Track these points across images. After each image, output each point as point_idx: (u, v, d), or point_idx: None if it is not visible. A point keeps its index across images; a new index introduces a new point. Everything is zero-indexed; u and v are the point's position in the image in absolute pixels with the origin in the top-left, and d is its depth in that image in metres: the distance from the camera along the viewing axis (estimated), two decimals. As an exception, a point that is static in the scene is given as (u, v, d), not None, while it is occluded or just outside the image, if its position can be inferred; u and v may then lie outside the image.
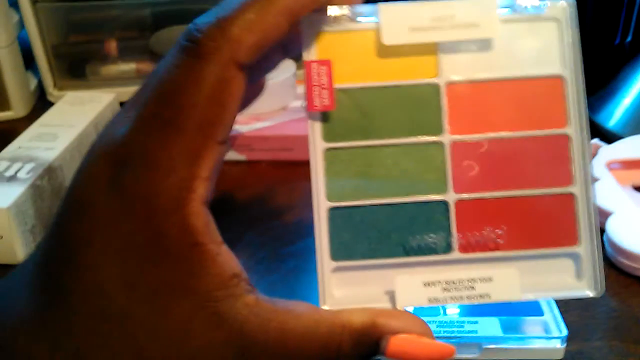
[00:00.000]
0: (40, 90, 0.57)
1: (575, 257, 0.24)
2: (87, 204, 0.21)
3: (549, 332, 0.28)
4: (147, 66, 0.57)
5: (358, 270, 0.24)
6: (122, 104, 0.51)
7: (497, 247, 0.24)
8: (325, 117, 0.24)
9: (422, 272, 0.23)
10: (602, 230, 0.37)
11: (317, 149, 0.24)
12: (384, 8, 0.24)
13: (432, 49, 0.24)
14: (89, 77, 0.57)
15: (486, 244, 0.24)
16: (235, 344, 0.21)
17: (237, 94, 0.21)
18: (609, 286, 0.34)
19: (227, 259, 0.21)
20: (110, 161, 0.21)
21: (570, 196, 0.24)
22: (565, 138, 0.24)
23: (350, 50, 0.24)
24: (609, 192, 0.39)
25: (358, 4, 0.24)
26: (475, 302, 0.23)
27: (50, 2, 0.53)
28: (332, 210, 0.24)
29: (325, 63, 0.24)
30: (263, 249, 0.37)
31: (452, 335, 0.27)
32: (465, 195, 0.24)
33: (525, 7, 0.24)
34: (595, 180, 0.41)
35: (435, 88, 0.24)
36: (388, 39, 0.24)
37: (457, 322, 0.28)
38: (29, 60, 0.56)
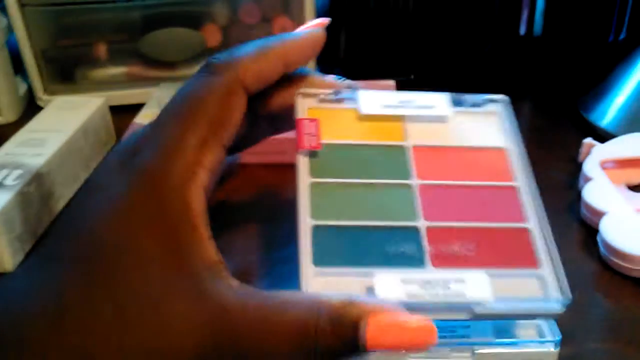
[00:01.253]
0: (30, 95, 0.57)
1: (539, 277, 0.26)
2: (97, 183, 0.24)
3: (542, 335, 0.28)
4: (137, 70, 0.57)
5: (339, 275, 0.25)
6: (112, 108, 0.51)
7: (466, 261, 0.26)
8: (312, 157, 0.28)
9: (399, 273, 0.25)
10: (596, 231, 0.36)
11: (304, 182, 0.27)
12: (362, 92, 0.31)
13: (399, 121, 0.30)
14: (78, 82, 0.56)
15: (456, 257, 0.26)
16: (215, 321, 0.21)
17: (240, 109, 0.26)
18: (602, 287, 0.34)
19: (214, 247, 0.23)
20: (125, 151, 0.24)
21: (526, 230, 0.27)
22: (514, 189, 0.29)
23: (334, 120, 0.30)
24: (602, 191, 0.39)
25: (343, 89, 0.30)
26: (451, 299, 0.24)
27: (38, 5, 0.52)
28: (316, 228, 0.26)
29: (314, 120, 0.29)
30: (254, 253, 0.36)
31: (445, 339, 0.27)
32: (434, 223, 0.27)
33: (471, 104, 0.32)
34: (588, 179, 0.41)
35: (403, 149, 0.30)
36: (365, 110, 0.30)
37: (450, 326, 0.28)
38: (18, 65, 0.55)
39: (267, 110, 0.29)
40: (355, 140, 0.29)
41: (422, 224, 0.27)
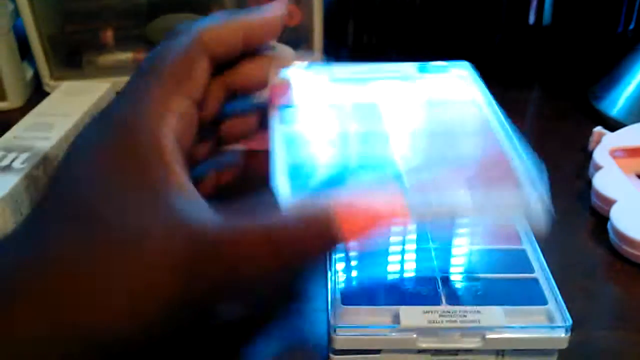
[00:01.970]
0: (37, 81, 0.56)
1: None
2: (78, 142, 0.26)
3: (553, 321, 0.27)
4: (143, 55, 0.57)
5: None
6: (118, 93, 0.51)
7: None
8: (284, 111, 0.30)
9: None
10: (606, 219, 0.36)
11: (279, 130, 0.28)
12: (333, 63, 0.33)
13: (369, 83, 0.32)
14: (85, 67, 0.56)
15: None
16: (192, 248, 0.22)
17: (202, 65, 0.27)
18: (613, 275, 0.34)
19: (189, 181, 0.24)
20: (102, 110, 0.27)
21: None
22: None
23: (306, 85, 0.31)
24: (612, 180, 0.38)
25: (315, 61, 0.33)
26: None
27: (45, -10, 0.52)
28: (292, 165, 0.26)
29: (286, 83, 0.31)
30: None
31: (455, 325, 0.27)
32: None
33: (436, 69, 0.33)
34: (599, 168, 0.40)
35: (374, 106, 0.31)
36: (336, 74, 0.32)
37: (460, 311, 0.27)
38: (24, 51, 0.55)
39: (241, 86, 0.30)
40: (327, 102, 0.31)
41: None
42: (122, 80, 0.54)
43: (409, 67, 0.33)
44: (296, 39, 0.58)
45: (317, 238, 0.22)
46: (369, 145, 0.28)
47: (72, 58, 0.56)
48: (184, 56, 0.27)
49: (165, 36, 0.28)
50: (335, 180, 0.25)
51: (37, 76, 0.56)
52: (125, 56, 0.56)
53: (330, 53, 0.63)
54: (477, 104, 0.31)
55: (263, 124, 0.31)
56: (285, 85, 0.30)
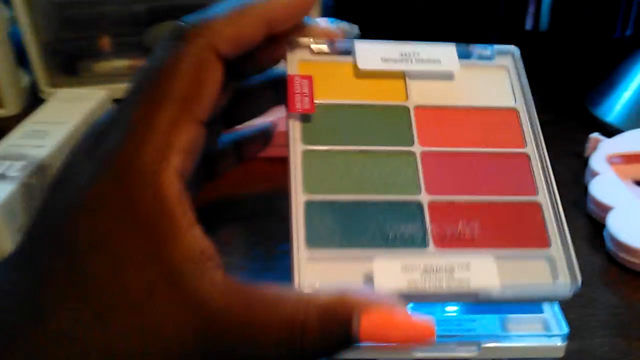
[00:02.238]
0: (33, 88, 0.56)
1: (548, 259, 0.24)
2: (65, 175, 0.22)
3: (549, 329, 0.27)
4: (140, 62, 0.57)
5: (334, 261, 0.23)
6: (115, 100, 0.51)
7: (472, 242, 0.24)
8: (305, 121, 0.26)
9: (400, 258, 0.23)
10: (603, 226, 0.36)
11: (297, 150, 0.25)
12: (358, 43, 0.28)
13: (401, 77, 0.28)
14: (82, 74, 0.56)
15: (461, 238, 0.24)
16: (199, 323, 0.20)
17: (214, 78, 0.23)
18: (610, 283, 0.33)
19: (197, 236, 0.21)
20: (92, 136, 0.22)
21: (537, 204, 0.25)
22: (525, 156, 0.27)
23: (329, 76, 0.27)
24: (609, 186, 0.38)
25: (338, 40, 0.27)
26: (454, 288, 0.23)
27: (42, -2, 0.52)
28: (309, 204, 0.24)
29: (307, 77, 0.26)
30: (258, 246, 0.36)
31: (450, 333, 0.27)
32: (437, 197, 0.25)
33: (479, 55, 0.29)
34: (595, 174, 0.40)
35: (405, 109, 0.27)
36: (363, 65, 0.27)
37: (456, 320, 0.27)
38: (21, 58, 0.55)
39: (257, 70, 0.27)
40: (352, 100, 0.27)
41: (424, 198, 0.25)
42: (120, 87, 0.55)
43: (448, 51, 0.28)
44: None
45: (329, 340, 0.21)
46: (396, 169, 0.26)
47: (68, 65, 0.56)
48: (194, 71, 0.22)
49: (163, 40, 0.23)
50: (359, 235, 0.24)
51: (33, 83, 0.56)
52: (123, 63, 0.56)
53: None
54: (516, 112, 0.28)
55: (277, 100, 0.28)
56: (306, 82, 0.26)
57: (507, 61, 0.29)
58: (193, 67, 0.22)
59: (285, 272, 0.33)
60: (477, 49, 0.29)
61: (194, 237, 0.21)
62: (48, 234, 0.21)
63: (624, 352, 0.29)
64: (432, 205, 0.25)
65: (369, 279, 0.23)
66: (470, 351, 0.27)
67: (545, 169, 0.26)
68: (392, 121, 0.27)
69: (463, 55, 0.28)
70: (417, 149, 0.26)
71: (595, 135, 0.44)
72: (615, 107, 0.49)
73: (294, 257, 0.23)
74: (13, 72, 0.54)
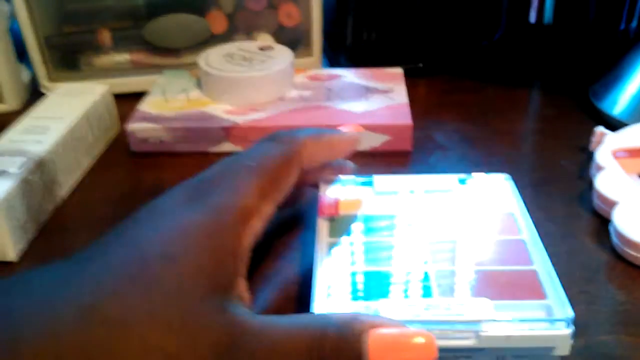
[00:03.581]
0: (34, 83, 0.56)
1: (545, 307, 0.27)
2: (162, 208, 0.26)
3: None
4: (141, 56, 0.56)
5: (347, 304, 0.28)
6: (116, 95, 0.51)
7: (472, 292, 0.28)
8: (330, 222, 0.33)
9: (404, 300, 0.27)
10: (608, 221, 0.36)
11: (323, 241, 0.31)
12: (376, 177, 0.36)
13: (410, 195, 0.35)
14: (82, 69, 0.56)
15: (463, 289, 0.28)
16: (231, 336, 0.22)
17: (295, 176, 0.30)
18: (615, 279, 0.33)
19: (245, 285, 0.26)
20: (193, 188, 0.27)
21: (532, 271, 0.29)
22: (521, 242, 0.31)
23: (352, 203, 0.34)
24: (614, 181, 0.38)
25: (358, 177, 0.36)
26: (451, 318, 0.26)
27: (42, -8, 0.52)
28: (329, 272, 0.29)
29: (335, 200, 0.34)
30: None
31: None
32: (442, 268, 0.29)
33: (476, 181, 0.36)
34: (600, 168, 0.40)
35: (414, 217, 0.33)
36: (378, 188, 0.35)
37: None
38: (21, 52, 0.55)
39: (302, 184, 0.33)
40: (368, 213, 0.33)
41: (431, 268, 0.29)
42: (120, 81, 0.55)
43: (449, 180, 0.35)
44: (295, 38, 0.58)
45: (345, 357, 0.23)
46: (404, 253, 0.30)
47: (69, 60, 0.55)
48: (285, 164, 0.29)
49: (266, 138, 0.31)
50: (374, 293, 0.28)
51: (34, 78, 0.55)
52: (123, 57, 0.56)
53: (329, 53, 0.63)
54: (512, 215, 0.33)
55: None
56: (334, 198, 0.34)
57: (501, 182, 0.35)
58: (285, 161, 0.29)
59: (286, 264, 0.33)
60: (474, 176, 0.36)
61: (244, 285, 0.26)
62: (129, 245, 0.24)
63: (631, 349, 0.29)
64: (438, 272, 0.29)
65: (376, 312, 0.27)
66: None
67: (538, 248, 0.30)
68: (404, 224, 0.33)
69: (462, 183, 0.35)
70: (426, 240, 0.31)
71: (600, 129, 0.43)
72: (620, 100, 0.49)
73: (315, 303, 0.27)
74: (13, 67, 0.54)
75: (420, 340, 0.23)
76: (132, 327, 0.21)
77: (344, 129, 0.34)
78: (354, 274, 0.29)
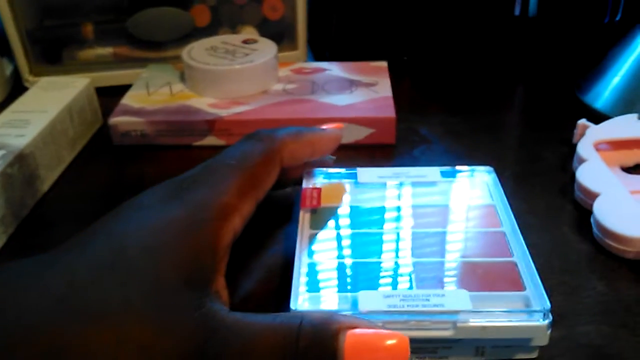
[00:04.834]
0: (16, 77, 0.55)
1: (523, 298, 0.27)
2: (142, 203, 0.26)
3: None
4: (124, 50, 0.56)
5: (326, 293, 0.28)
6: (99, 89, 0.50)
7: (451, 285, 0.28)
8: (312, 213, 0.33)
9: (382, 289, 0.27)
10: (589, 212, 0.36)
11: (305, 233, 0.31)
12: (360, 169, 0.36)
13: (393, 187, 0.35)
14: (65, 62, 0.55)
15: (442, 281, 0.28)
16: (207, 329, 0.22)
17: (275, 174, 0.30)
18: (596, 269, 0.33)
19: (223, 281, 0.26)
20: (173, 185, 0.27)
21: (512, 263, 0.29)
22: (502, 234, 0.31)
23: (334, 191, 0.35)
24: (596, 173, 0.38)
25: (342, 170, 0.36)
26: (429, 311, 0.26)
27: (23, -15, 0.51)
28: (310, 264, 0.29)
29: (317, 189, 0.34)
30: (244, 235, 0.36)
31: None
32: (422, 259, 0.29)
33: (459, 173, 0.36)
34: (582, 161, 0.40)
35: (397, 208, 0.33)
36: (361, 179, 0.35)
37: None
38: (3, 46, 0.54)
39: (285, 181, 0.34)
40: (350, 205, 0.33)
41: (411, 259, 0.29)
42: (103, 75, 0.54)
43: (432, 172, 0.35)
44: (279, 32, 0.57)
45: (320, 354, 0.23)
46: (385, 245, 0.31)
47: (51, 53, 0.55)
48: (264, 162, 0.29)
49: (247, 136, 0.31)
50: (353, 284, 0.28)
51: (16, 72, 0.55)
52: (106, 51, 0.56)
53: (314, 46, 0.62)
54: (494, 208, 0.33)
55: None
56: (316, 190, 0.34)
57: (484, 176, 0.35)
58: (265, 159, 0.29)
59: (269, 259, 0.33)
60: (457, 169, 0.36)
61: (222, 281, 0.25)
62: (109, 239, 0.24)
63: (610, 339, 0.29)
64: (417, 264, 0.29)
65: (353, 303, 0.27)
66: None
67: (518, 240, 0.30)
68: (386, 216, 0.33)
69: (445, 175, 0.35)
70: (406, 232, 0.31)
71: (582, 121, 0.43)
72: (604, 93, 0.49)
73: (293, 296, 0.27)
74: (-5, 60, 0.53)
75: (393, 341, 0.23)
76: (107, 317, 0.21)
77: (325, 126, 0.34)
78: (334, 266, 0.29)
